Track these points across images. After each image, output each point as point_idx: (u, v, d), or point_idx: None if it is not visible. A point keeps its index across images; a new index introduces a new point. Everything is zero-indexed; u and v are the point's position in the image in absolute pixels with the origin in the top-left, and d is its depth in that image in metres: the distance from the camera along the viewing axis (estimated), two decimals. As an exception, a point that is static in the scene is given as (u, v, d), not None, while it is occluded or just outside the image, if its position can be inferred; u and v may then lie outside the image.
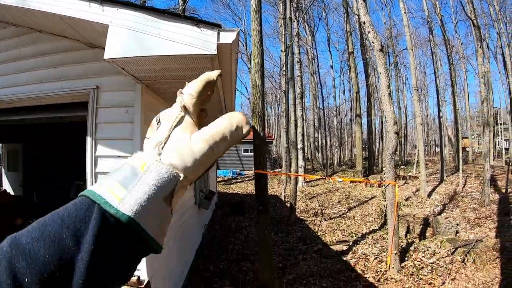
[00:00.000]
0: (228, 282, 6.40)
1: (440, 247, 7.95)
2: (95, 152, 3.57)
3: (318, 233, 11.05)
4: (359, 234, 10.73)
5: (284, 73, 17.08)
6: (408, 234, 9.90)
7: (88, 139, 3.60)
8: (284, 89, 16.54)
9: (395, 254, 6.91)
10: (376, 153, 35.15)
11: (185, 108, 0.61)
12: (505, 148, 36.31)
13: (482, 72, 13.75)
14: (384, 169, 7.08)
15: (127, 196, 0.49)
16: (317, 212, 14.48)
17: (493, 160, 27.43)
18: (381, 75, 6.94)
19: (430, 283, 6.40)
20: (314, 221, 12.84)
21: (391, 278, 6.81)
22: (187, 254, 6.43)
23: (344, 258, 8.40)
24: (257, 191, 6.03)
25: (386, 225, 11.31)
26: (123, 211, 0.48)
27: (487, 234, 9.68)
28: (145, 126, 3.57)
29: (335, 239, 10.22)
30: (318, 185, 22.74)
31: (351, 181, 22.34)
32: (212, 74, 0.66)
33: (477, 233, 10.09)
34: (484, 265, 7.01)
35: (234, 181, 25.87)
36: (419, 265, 7.19)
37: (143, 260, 3.51)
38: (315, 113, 35.33)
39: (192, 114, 0.62)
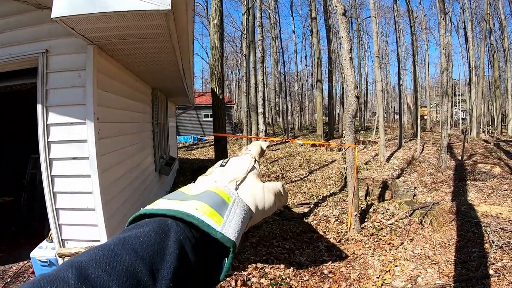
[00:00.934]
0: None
1: (399, 209, 8.22)
2: (46, 120, 3.31)
3: (280, 197, 11.19)
4: (320, 196, 10.95)
5: (245, 36, 16.69)
6: (367, 197, 10.22)
7: (39, 107, 3.32)
8: (245, 53, 16.20)
9: (355, 215, 7.09)
10: (337, 119, 35.74)
11: (255, 160, 0.69)
12: (462, 119, 38.07)
13: (443, 43, 13.97)
14: (344, 133, 7.12)
15: (227, 222, 0.50)
16: (278, 176, 14.63)
17: (450, 129, 28.70)
18: (343, 39, 6.84)
19: (389, 243, 6.63)
20: (275, 185, 12.96)
21: (352, 239, 7.01)
22: (150, 222, 6.32)
23: (306, 220, 8.57)
24: (217, 155, 5.96)
25: (346, 187, 11.60)
26: (229, 236, 0.48)
27: (444, 197, 10.11)
28: (98, 89, 3.33)
29: (297, 202, 10.39)
30: (279, 149, 22.90)
31: (312, 145, 22.65)
32: (263, 144, 0.82)
33: (433, 197, 10.51)
34: (441, 227, 7.31)
35: (195, 146, 25.57)
36: (378, 226, 7.42)
37: (103, 229, 3.37)
38: (276, 78, 35.18)
39: (258, 165, 0.70)
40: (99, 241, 3.36)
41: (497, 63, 29.44)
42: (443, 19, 14.20)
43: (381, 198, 9.96)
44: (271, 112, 37.30)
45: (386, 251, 6.40)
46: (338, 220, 8.22)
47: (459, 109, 45.28)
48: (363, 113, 44.24)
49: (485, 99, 31.95)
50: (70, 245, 3.42)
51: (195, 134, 29.73)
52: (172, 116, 13.44)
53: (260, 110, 18.37)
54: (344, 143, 7.13)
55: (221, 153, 5.90)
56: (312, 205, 9.88)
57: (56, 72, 3.34)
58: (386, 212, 8.19)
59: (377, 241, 6.82)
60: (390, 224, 7.51)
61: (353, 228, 7.10)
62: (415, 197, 9.94)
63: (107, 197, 3.44)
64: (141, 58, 4.09)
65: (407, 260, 5.99)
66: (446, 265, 5.79)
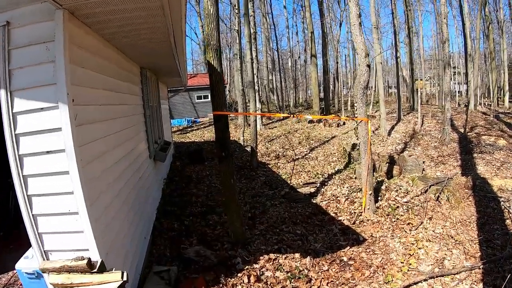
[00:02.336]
0: (196, 240, 5.81)
1: (412, 185, 7.74)
2: (12, 109, 2.65)
3: (283, 176, 10.66)
4: (325, 175, 10.44)
5: (236, 11, 15.92)
6: (375, 173, 9.68)
7: (2, 93, 2.66)
8: (237, 28, 15.38)
9: (370, 194, 6.57)
10: (332, 94, 35.05)
11: None
12: (458, 91, 38.14)
13: (444, 12, 13.37)
14: (356, 105, 6.55)
15: None
16: (278, 154, 14.11)
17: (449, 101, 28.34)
18: (351, 3, 6.19)
19: (408, 223, 6.15)
20: (277, 164, 12.46)
21: (367, 220, 6.51)
22: (148, 215, 5.72)
23: (314, 201, 8.06)
24: (218, 136, 5.33)
25: (350, 164, 11.11)
26: None
27: (457, 172, 9.69)
28: (72, 65, 2.68)
29: (301, 182, 9.88)
30: (276, 127, 22.40)
31: (317, 120, 22.07)
32: None
33: (442, 171, 10.09)
34: (459, 203, 6.88)
35: (189, 129, 24.94)
36: (394, 204, 6.93)
37: (91, 235, 2.78)
38: (268, 55, 34.11)
39: None
40: (87, 249, 2.75)
41: (492, 35, 29.19)
42: (443, -14, 13.51)
43: (389, 174, 9.42)
44: (264, 90, 36.42)
45: (406, 232, 5.93)
46: (349, 200, 7.73)
47: (454, 82, 45.13)
48: (357, 86, 43.50)
49: (480, 71, 31.74)
50: (54, 257, 2.82)
51: (188, 117, 29.05)
52: (164, 98, 12.73)
53: (255, 87, 17.69)
54: (356, 117, 6.54)
55: (222, 133, 5.29)
56: (318, 184, 9.38)
57: (20, 48, 2.68)
58: (400, 189, 7.69)
59: (394, 221, 6.34)
60: (406, 202, 7.03)
61: (368, 209, 6.59)
62: (423, 172, 9.44)
63: (92, 196, 2.82)
64: (125, 25, 3.42)
65: (430, 241, 5.56)
66: (470, 244, 5.41)
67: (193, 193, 8.65)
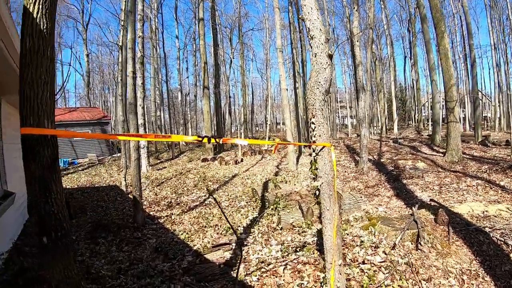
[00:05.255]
0: None
1: (377, 234, 5.39)
2: None
3: (182, 236, 7.56)
4: (240, 228, 7.69)
5: (123, 23, 13.05)
6: (305, 219, 7.22)
7: None
8: (120, 43, 12.25)
9: (340, 265, 3.91)
10: (225, 128, 33.25)
11: None
12: (343, 124, 42.22)
13: (358, 36, 12.98)
14: (314, 121, 3.74)
15: None
16: (171, 202, 11.02)
17: (338, 132, 29.56)
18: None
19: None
20: (170, 216, 9.32)
21: (342, 307, 3.85)
22: None
23: (234, 274, 5.14)
24: (33, 191, 2.21)
25: (266, 209, 8.51)
26: None
27: (399, 203, 7.94)
28: None
29: (209, 242, 6.98)
30: (165, 167, 19.48)
31: (211, 158, 19.81)
32: None
33: (380, 204, 8.28)
34: (448, 247, 4.93)
35: (64, 172, 20.01)
36: (368, 269, 4.47)
37: None
38: (156, 88, 30.68)
39: None
40: None
41: (378, 70, 32.84)
42: (356, 10, 12.61)
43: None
44: (152, 126, 32.54)
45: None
46: (290, 268, 5.07)
47: (339, 116, 48.27)
48: (248, 123, 42.30)
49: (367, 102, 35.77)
50: None
51: (65, 157, 23.78)
52: (13, 128, 8.39)
53: (140, 121, 14.39)
54: (314, 141, 3.77)
55: (41, 184, 2.14)
56: (234, 244, 6.56)
57: None
58: (362, 242, 5.26)
59: (384, 296, 3.83)
60: (382, 261, 4.62)
61: (339, 287, 3.90)
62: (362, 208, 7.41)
63: None
64: None
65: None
66: (502, 303, 3.62)
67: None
